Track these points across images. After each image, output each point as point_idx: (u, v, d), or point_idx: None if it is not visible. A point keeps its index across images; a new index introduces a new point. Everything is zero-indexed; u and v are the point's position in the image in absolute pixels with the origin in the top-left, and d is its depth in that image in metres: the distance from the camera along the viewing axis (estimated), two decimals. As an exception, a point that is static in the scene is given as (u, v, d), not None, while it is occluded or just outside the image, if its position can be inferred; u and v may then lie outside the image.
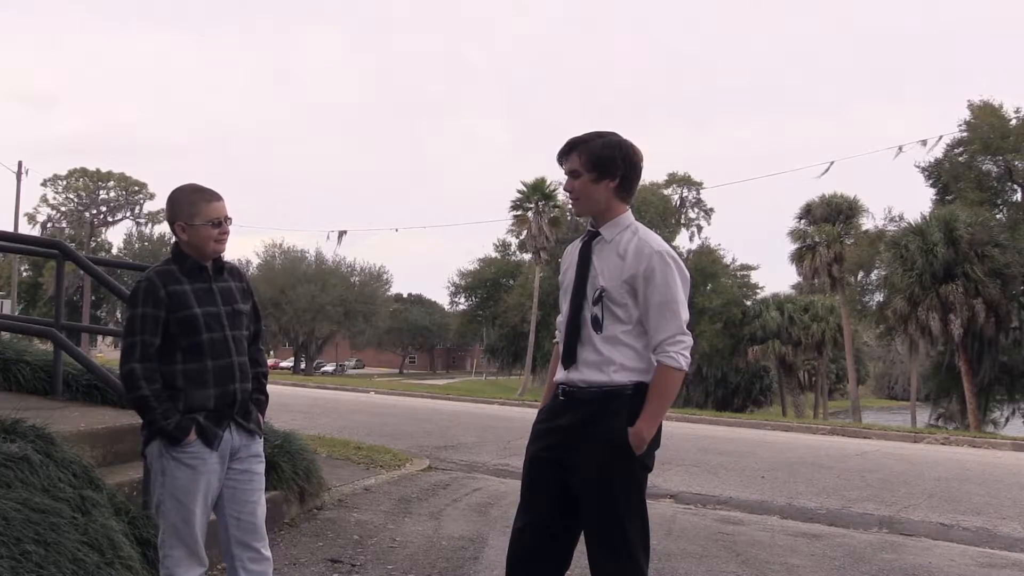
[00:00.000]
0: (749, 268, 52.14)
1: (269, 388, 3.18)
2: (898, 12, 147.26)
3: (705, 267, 46.66)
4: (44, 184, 56.46)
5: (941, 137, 31.48)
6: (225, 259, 3.07)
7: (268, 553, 3.04)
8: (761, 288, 51.00)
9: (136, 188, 58.42)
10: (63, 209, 57.52)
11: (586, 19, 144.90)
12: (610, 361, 2.75)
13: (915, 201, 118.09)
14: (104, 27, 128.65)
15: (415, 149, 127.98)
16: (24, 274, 56.06)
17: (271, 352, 61.18)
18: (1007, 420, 34.08)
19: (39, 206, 56.75)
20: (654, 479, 3.71)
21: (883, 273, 33.39)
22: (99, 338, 56.48)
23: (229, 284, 3.03)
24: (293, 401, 14.64)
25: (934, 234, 28.95)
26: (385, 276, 61.47)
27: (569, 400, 2.81)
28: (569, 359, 2.82)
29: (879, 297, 35.77)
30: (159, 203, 59.71)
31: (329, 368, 66.88)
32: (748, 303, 47.55)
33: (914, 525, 6.43)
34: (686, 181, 49.54)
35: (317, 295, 52.35)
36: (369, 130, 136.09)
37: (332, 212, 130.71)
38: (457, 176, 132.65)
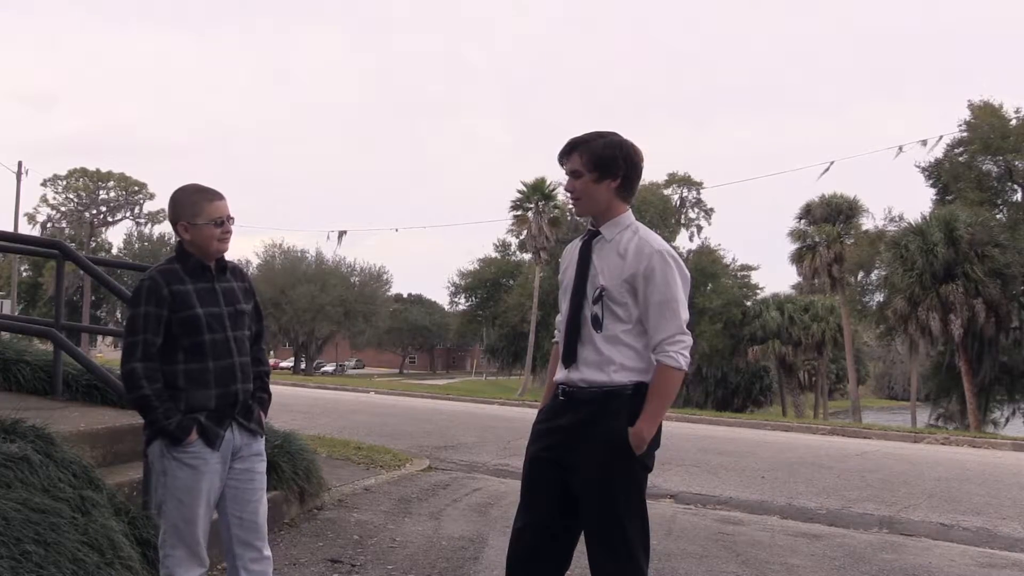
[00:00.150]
0: (749, 268, 52.21)
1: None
2: (898, 12, 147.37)
3: (705, 267, 46.66)
4: (44, 184, 56.53)
5: (941, 137, 31.53)
6: (227, 259, 3.07)
7: (269, 552, 3.05)
8: (761, 288, 51.07)
9: (136, 188, 58.44)
10: (63, 209, 57.53)
11: (586, 19, 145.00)
12: (610, 360, 2.75)
13: (915, 201, 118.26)
14: (104, 27, 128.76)
15: (415, 149, 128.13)
16: (24, 274, 56.07)
17: (271, 352, 61.19)
18: (1007, 420, 34.07)
19: (39, 206, 56.84)
20: (654, 479, 3.71)
21: (883, 273, 33.40)
22: (99, 338, 56.48)
23: (232, 284, 3.03)
24: (293, 401, 14.63)
25: (934, 234, 28.96)
26: (385, 276, 61.52)
27: (569, 400, 2.81)
28: (569, 358, 2.82)
29: (879, 297, 35.80)
30: (159, 203, 59.79)
31: (329, 368, 66.87)
32: (748, 303, 47.55)
33: (914, 525, 6.43)
34: (686, 181, 49.55)
35: (317, 295, 52.35)
36: (369, 130, 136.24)
37: (332, 212, 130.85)
38: (457, 176, 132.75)
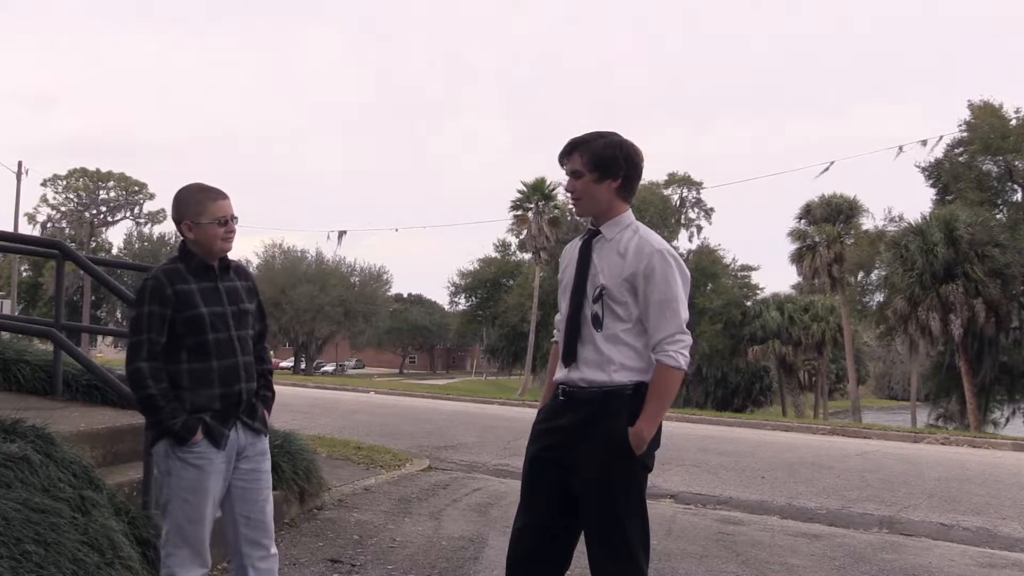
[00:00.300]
0: (750, 269, 52.17)
1: (269, 388, 3.18)
2: (898, 12, 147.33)
3: (705, 267, 46.65)
4: (44, 184, 56.49)
5: (941, 137, 31.54)
6: (231, 258, 3.07)
7: (275, 550, 3.06)
8: (761, 289, 51.05)
9: (136, 188, 58.42)
10: (63, 209, 57.51)
11: (586, 19, 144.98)
12: (610, 360, 2.75)
13: (915, 201, 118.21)
14: (104, 27, 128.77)
15: (415, 149, 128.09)
16: (24, 274, 56.06)
17: (271, 352, 61.11)
18: (1007, 420, 34.07)
19: (39, 206, 56.80)
20: (654, 479, 3.71)
21: (883, 273, 33.42)
22: (99, 338, 56.57)
23: (235, 283, 3.03)
24: (293, 401, 14.63)
25: (934, 234, 28.97)
26: (385, 276, 61.54)
27: (569, 400, 2.81)
28: (569, 357, 2.82)
29: (879, 297, 35.81)
30: (159, 203, 59.80)
31: (329, 368, 66.88)
32: (748, 303, 47.54)
33: (914, 525, 6.43)
34: (686, 181, 49.52)
35: (316, 295, 52.36)
36: (369, 130, 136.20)
37: (332, 212, 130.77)
38: (457, 176, 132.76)
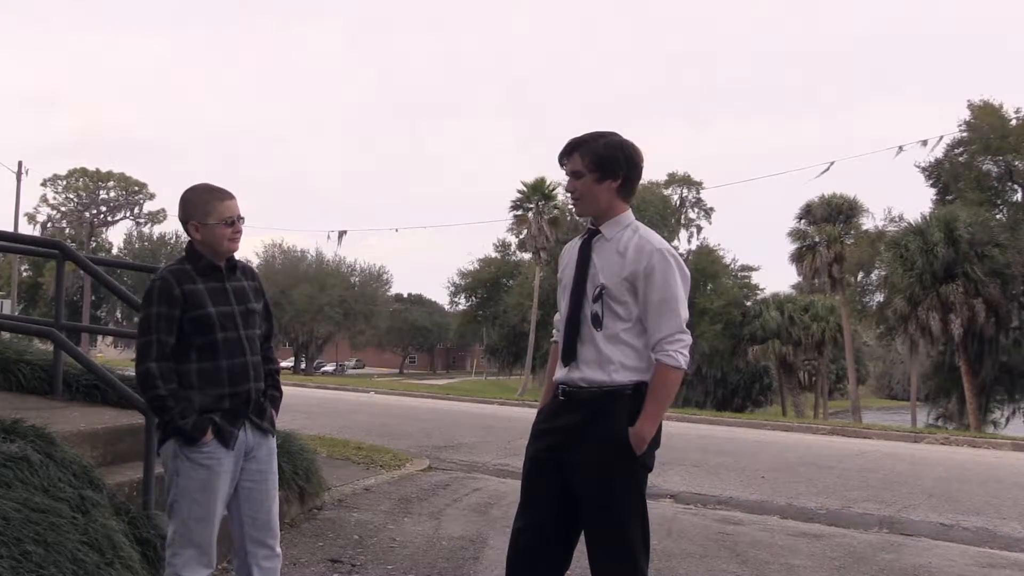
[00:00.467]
0: (750, 269, 52.19)
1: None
2: (898, 12, 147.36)
3: (705, 267, 46.67)
4: (44, 184, 56.50)
5: (941, 137, 31.43)
6: (237, 258, 3.09)
7: (279, 551, 3.07)
8: (761, 289, 51.04)
9: (136, 188, 58.43)
10: (63, 209, 57.52)
11: (586, 19, 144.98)
12: (610, 360, 2.75)
13: (915, 201, 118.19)
14: (104, 27, 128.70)
15: (415, 149, 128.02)
16: (24, 274, 56.06)
17: (271, 352, 61.03)
18: (1007, 420, 34.08)
19: (39, 206, 56.80)
20: (654, 479, 3.71)
21: (883, 273, 33.45)
22: (99, 338, 56.50)
23: (242, 283, 3.04)
24: (293, 401, 14.60)
25: (934, 234, 28.99)
26: (385, 276, 61.57)
27: (569, 400, 2.81)
28: (569, 356, 2.82)
29: (879, 297, 35.85)
30: (159, 203, 59.83)
31: (329, 368, 66.91)
32: (748, 303, 47.54)
33: (914, 525, 6.43)
34: (686, 181, 49.54)
35: (316, 295, 52.37)
36: (369, 130, 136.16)
37: (332, 212, 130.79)
38: (457, 176, 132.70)
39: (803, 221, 38.17)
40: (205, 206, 2.93)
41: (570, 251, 2.96)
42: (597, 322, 2.78)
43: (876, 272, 36.06)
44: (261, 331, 3.08)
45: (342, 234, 40.63)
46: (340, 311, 54.75)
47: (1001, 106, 32.42)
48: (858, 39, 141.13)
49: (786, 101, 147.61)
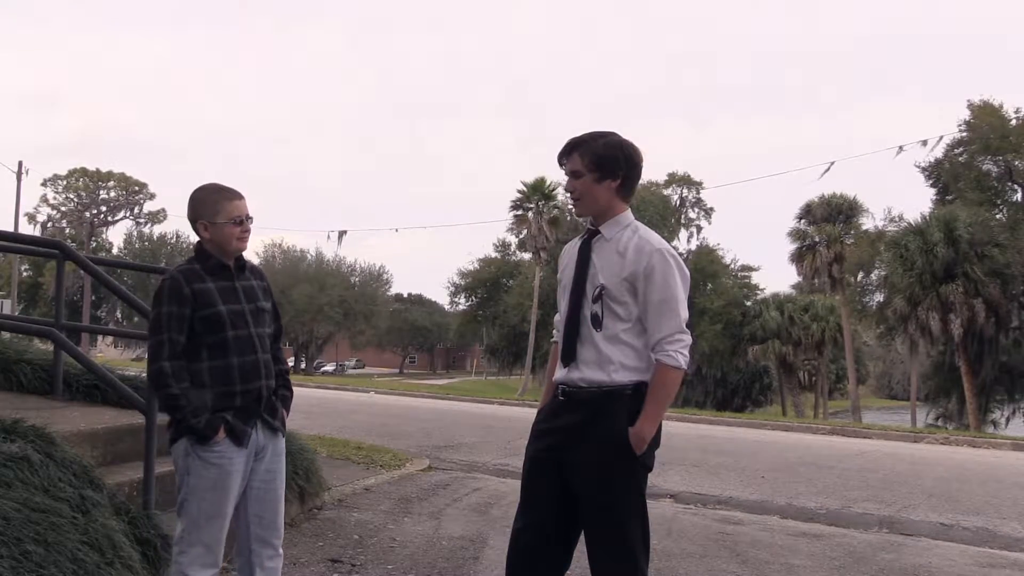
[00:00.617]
0: (750, 269, 52.18)
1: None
2: (898, 12, 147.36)
3: (705, 267, 46.67)
4: (44, 184, 56.44)
5: (941, 137, 31.44)
6: (246, 258, 3.10)
7: (282, 550, 3.09)
8: (761, 289, 51.04)
9: (136, 188, 58.38)
10: (63, 209, 57.47)
11: (586, 19, 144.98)
12: (609, 360, 2.75)
13: (915, 201, 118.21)
14: (104, 27, 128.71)
15: (415, 149, 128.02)
16: (24, 274, 56.03)
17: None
18: (1008, 420, 34.07)
19: (39, 206, 56.74)
20: (654, 479, 3.71)
21: (883, 273, 33.45)
22: (99, 338, 56.54)
23: (251, 283, 3.06)
24: (293, 401, 14.61)
25: (934, 234, 28.99)
26: (385, 276, 61.57)
27: (569, 400, 2.81)
28: (568, 357, 2.82)
29: (879, 297, 35.84)
30: (159, 203, 59.81)
31: (329, 368, 66.89)
32: (748, 303, 47.54)
33: (914, 525, 6.43)
34: (686, 181, 49.55)
35: (316, 295, 52.37)
36: (369, 130, 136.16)
37: (332, 212, 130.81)
38: (457, 176, 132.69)
39: (803, 221, 38.18)
40: (214, 205, 2.95)
41: (570, 251, 2.96)
42: (597, 322, 2.77)
43: (876, 272, 36.06)
44: (270, 330, 3.10)
45: (342, 234, 40.72)
46: (340, 311, 54.76)
47: (1001, 106, 32.45)
48: (858, 39, 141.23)
49: (786, 101, 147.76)
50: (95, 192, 57.70)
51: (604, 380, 2.74)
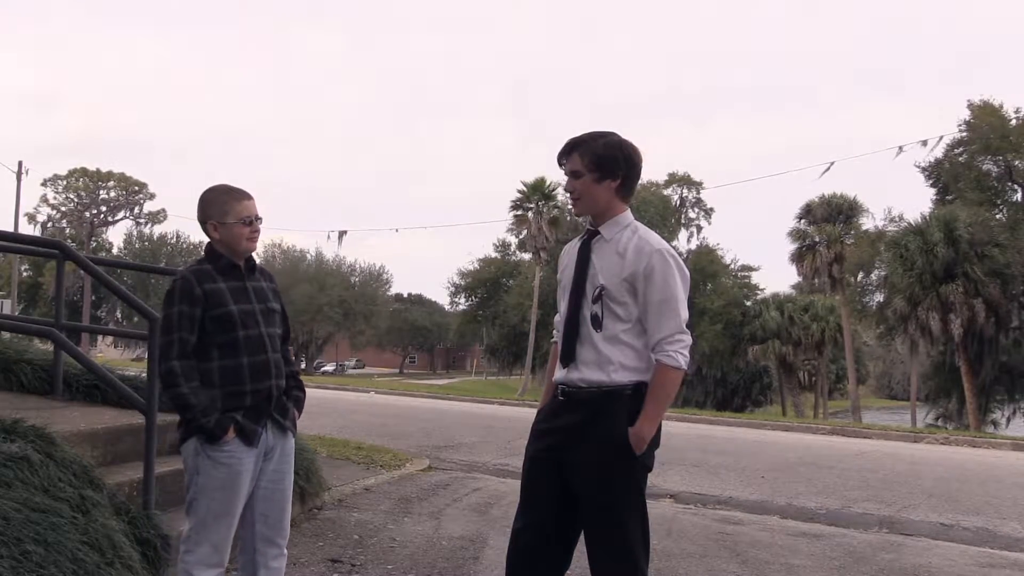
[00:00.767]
0: (750, 269, 52.19)
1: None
2: (898, 12, 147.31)
3: (705, 267, 46.66)
4: (44, 184, 56.44)
5: (941, 137, 31.42)
6: (256, 259, 3.12)
7: (286, 551, 3.09)
8: (761, 289, 51.04)
9: (136, 188, 58.38)
10: (63, 209, 57.46)
11: (586, 19, 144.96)
12: (609, 360, 2.75)
13: (915, 201, 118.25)
14: (104, 27, 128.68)
15: (415, 149, 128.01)
16: (24, 274, 56.03)
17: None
18: (1008, 420, 34.07)
19: (39, 206, 56.75)
20: (654, 479, 3.71)
21: (883, 273, 33.45)
22: (99, 338, 56.52)
23: (261, 284, 3.08)
24: (293, 401, 14.60)
25: (934, 234, 28.99)
26: (385, 276, 61.58)
27: (569, 400, 2.81)
28: (568, 357, 2.82)
29: (879, 297, 35.84)
30: (159, 203, 59.93)
31: (329, 368, 66.91)
32: (748, 303, 47.54)
33: (914, 525, 6.43)
34: (686, 181, 49.56)
35: (316, 295, 52.37)
36: (369, 130, 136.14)
37: (332, 212, 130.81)
38: (457, 176, 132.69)
39: (803, 221, 38.17)
40: (223, 206, 2.97)
41: (569, 252, 2.96)
42: (597, 323, 2.77)
43: (876, 272, 36.06)
44: (280, 331, 3.11)
45: (342, 234, 40.77)
46: (340, 311, 54.77)
47: (1001, 106, 32.44)
48: (858, 39, 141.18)
49: (786, 101, 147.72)
50: (95, 192, 57.69)
51: (604, 380, 2.74)
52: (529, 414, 3.82)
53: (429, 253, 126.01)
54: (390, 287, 64.23)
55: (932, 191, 35.05)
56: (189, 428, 2.87)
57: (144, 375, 4.49)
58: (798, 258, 37.63)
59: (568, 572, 2.92)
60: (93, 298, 55.34)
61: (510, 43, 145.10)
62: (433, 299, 77.61)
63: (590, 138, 2.84)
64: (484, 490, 6.93)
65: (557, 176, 35.34)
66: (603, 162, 2.80)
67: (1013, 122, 31.98)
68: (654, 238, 2.82)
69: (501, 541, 4.36)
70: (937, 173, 34.32)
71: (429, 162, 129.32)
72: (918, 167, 34.56)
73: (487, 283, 56.29)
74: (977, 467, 10.09)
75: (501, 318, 52.94)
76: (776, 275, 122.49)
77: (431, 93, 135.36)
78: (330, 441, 8.69)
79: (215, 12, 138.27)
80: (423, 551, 4.86)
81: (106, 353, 55.20)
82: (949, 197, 33.50)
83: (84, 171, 57.38)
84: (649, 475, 2.82)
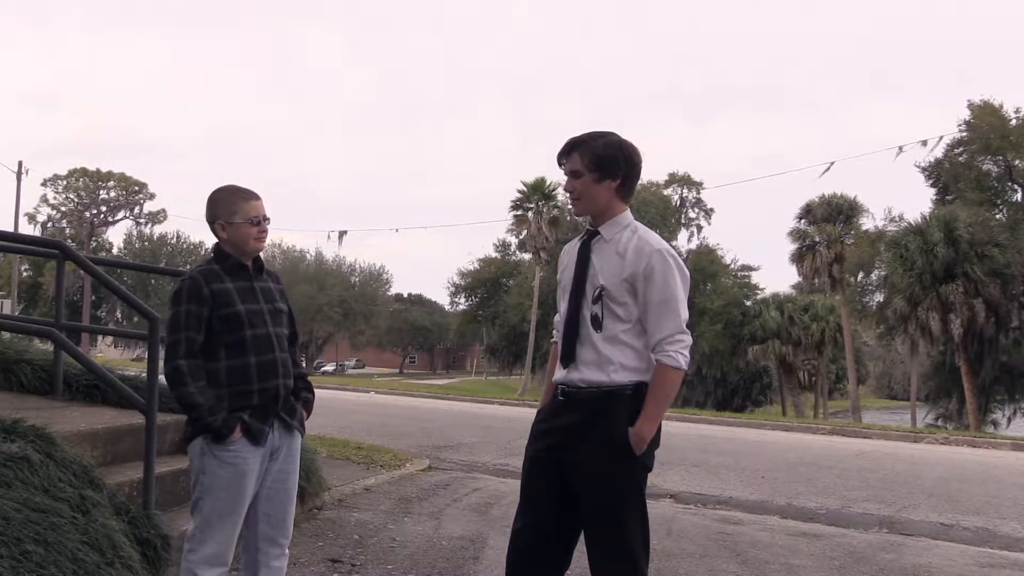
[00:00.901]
0: (749, 269, 52.19)
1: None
2: (898, 12, 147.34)
3: (705, 267, 46.67)
4: (44, 184, 56.45)
5: (941, 137, 31.37)
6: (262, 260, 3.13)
7: (287, 551, 3.10)
8: (761, 289, 51.05)
9: (136, 188, 58.39)
10: (63, 209, 57.47)
11: (586, 19, 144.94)
12: (609, 360, 2.75)
13: (915, 201, 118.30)
14: (104, 27, 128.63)
15: (415, 149, 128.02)
16: (24, 274, 56.02)
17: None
18: (1008, 420, 34.07)
19: (39, 206, 56.75)
20: (654, 479, 3.71)
21: (883, 273, 33.47)
22: (99, 338, 56.53)
23: (268, 284, 3.10)
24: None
25: (934, 234, 29.00)
26: (385, 276, 61.60)
27: (569, 400, 2.81)
28: (568, 358, 2.82)
29: (879, 297, 35.85)
30: (159, 203, 59.96)
31: (329, 368, 66.90)
32: (748, 303, 47.54)
33: (914, 525, 6.43)
34: (686, 181, 49.58)
35: (315, 295, 52.37)
36: (369, 130, 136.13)
37: (332, 212, 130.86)
38: (457, 176, 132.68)
39: (803, 221, 38.18)
40: (231, 206, 2.98)
41: (569, 252, 2.96)
42: (597, 323, 2.77)
43: (876, 272, 36.08)
44: (287, 331, 3.12)
45: (342, 234, 40.71)
46: (340, 311, 54.79)
47: (1001, 106, 32.45)
48: (858, 39, 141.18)
49: (786, 101, 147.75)
50: (95, 192, 57.70)
51: (604, 380, 2.74)
52: (529, 414, 3.83)
53: (429, 253, 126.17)
54: (390, 287, 64.37)
55: (932, 191, 35.11)
56: (196, 427, 2.87)
57: (144, 375, 4.49)
58: (798, 258, 37.63)
59: (568, 572, 2.91)
60: (93, 298, 55.34)
61: (510, 43, 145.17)
62: (433, 299, 77.74)
63: (590, 138, 2.84)
64: (484, 490, 6.93)
65: (557, 176, 35.37)
66: (603, 162, 2.80)
67: (1013, 122, 31.98)
68: (654, 238, 2.82)
69: (501, 541, 4.36)
70: (937, 173, 34.33)
71: (429, 162, 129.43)
72: (918, 167, 34.62)
73: (487, 283, 56.30)
74: (977, 467, 10.09)
75: (501, 318, 52.94)
76: (776, 275, 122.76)
77: (431, 93, 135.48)
78: (330, 441, 8.69)
79: (215, 12, 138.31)
80: (423, 551, 4.86)
81: (106, 353, 55.22)
82: (949, 197, 33.51)
83: (84, 171, 57.38)
84: (649, 475, 2.82)
